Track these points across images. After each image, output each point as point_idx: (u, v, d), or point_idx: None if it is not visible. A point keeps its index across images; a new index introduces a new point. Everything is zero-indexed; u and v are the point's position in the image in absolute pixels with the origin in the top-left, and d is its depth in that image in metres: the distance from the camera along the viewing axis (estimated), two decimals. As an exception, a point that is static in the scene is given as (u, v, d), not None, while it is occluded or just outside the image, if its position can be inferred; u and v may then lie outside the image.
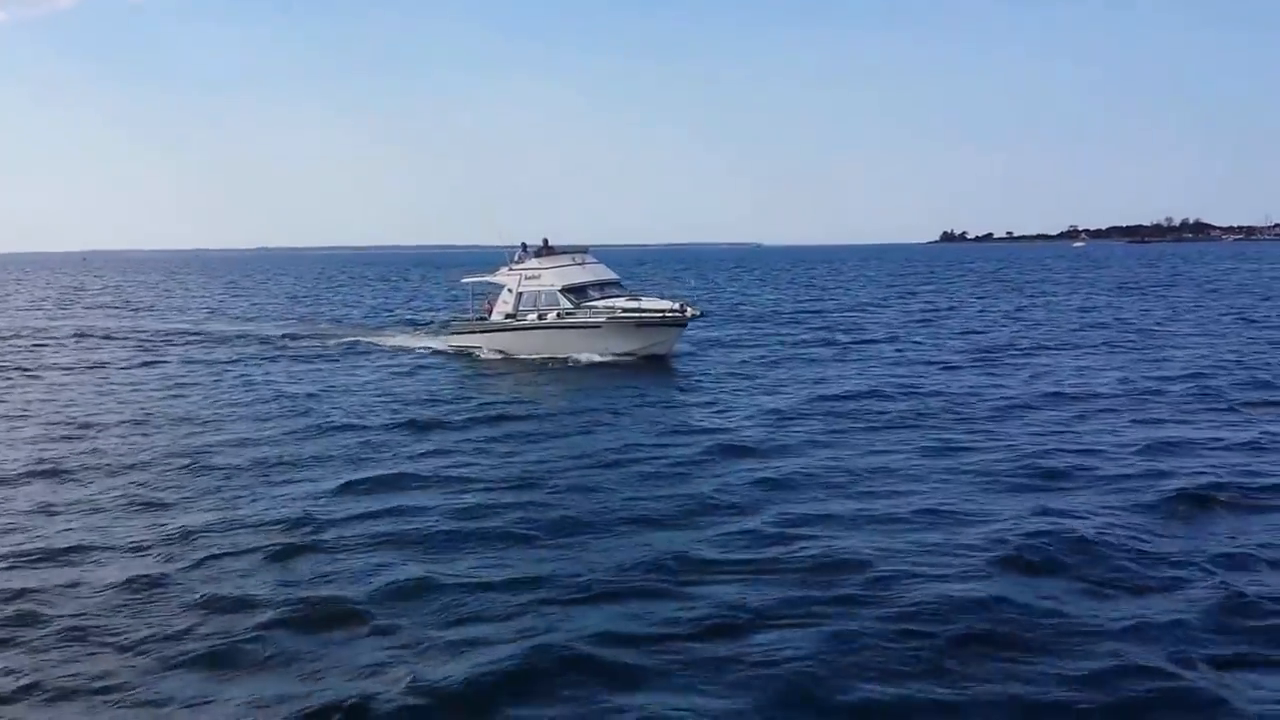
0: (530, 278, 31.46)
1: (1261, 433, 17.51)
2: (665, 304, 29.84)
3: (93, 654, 9.07)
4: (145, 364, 30.81)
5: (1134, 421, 18.86)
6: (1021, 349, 31.32)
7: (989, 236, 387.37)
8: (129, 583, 10.76)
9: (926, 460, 15.93)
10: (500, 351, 31.32)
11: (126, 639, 9.35)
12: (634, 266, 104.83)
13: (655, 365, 28.70)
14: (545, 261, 31.71)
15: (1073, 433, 17.94)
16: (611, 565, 11.09)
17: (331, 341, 36.45)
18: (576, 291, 30.73)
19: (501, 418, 20.61)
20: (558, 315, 30.59)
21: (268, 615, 9.76)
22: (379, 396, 23.50)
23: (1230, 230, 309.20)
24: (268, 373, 28.19)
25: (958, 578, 10.33)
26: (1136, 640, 8.78)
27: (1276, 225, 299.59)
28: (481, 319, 33.19)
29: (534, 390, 25.24)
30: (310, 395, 23.71)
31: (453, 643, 9.14)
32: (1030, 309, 49.77)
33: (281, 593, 10.39)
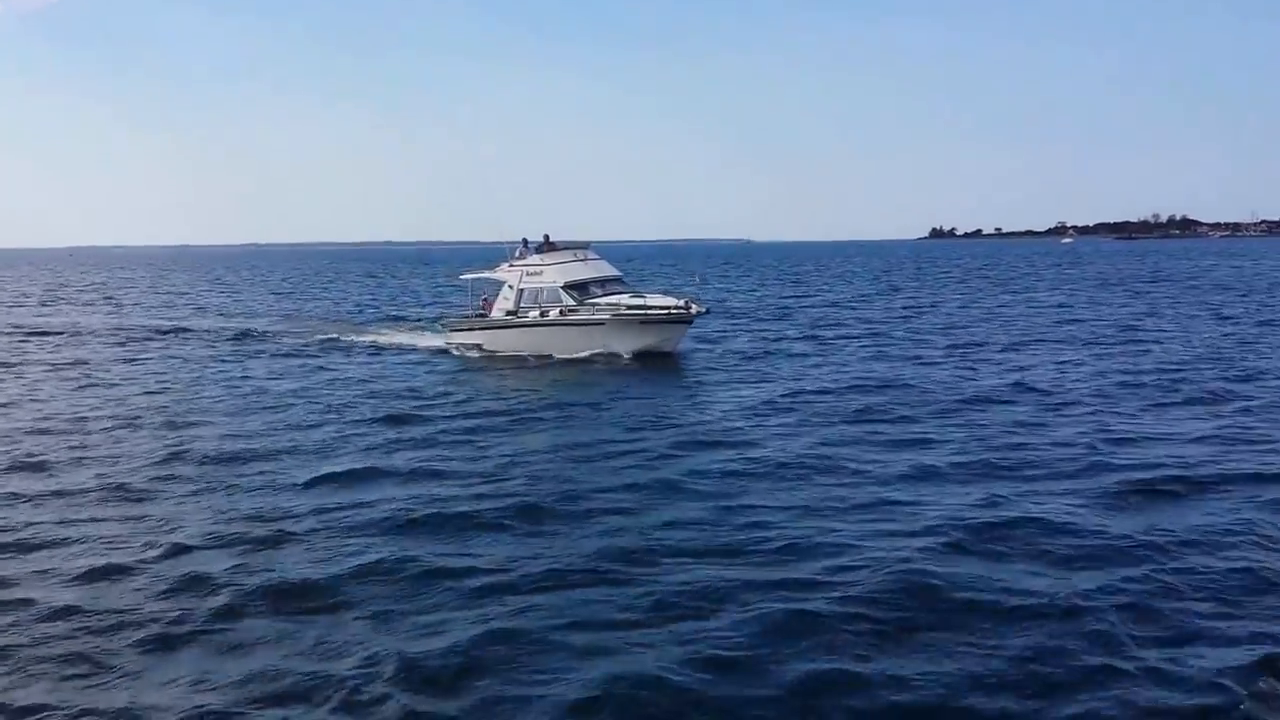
0: (532, 274, 30.91)
1: (1217, 427, 17.90)
2: (670, 300, 29.43)
3: (66, 637, 9.29)
4: (126, 360, 30.92)
5: (1097, 415, 19.22)
6: (997, 345, 31.68)
7: (978, 233, 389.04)
8: (100, 570, 11.00)
9: (891, 453, 16.25)
10: (502, 349, 30.78)
11: (98, 622, 9.58)
12: (622, 262, 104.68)
13: (658, 362, 28.27)
14: (547, 258, 31.14)
15: (1038, 425, 18.30)
16: (577, 552, 11.39)
17: (319, 337, 36.48)
18: (579, 288, 30.18)
19: (483, 412, 20.82)
20: (560, 312, 30.06)
21: (235, 598, 10.06)
22: (360, 393, 23.67)
23: (1217, 227, 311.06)
24: (247, 369, 28.33)
25: (908, 561, 10.69)
26: (1072, 620, 9.17)
27: (1263, 222, 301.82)
28: (481, 315, 32.82)
29: (516, 385, 25.46)
30: (292, 391, 23.88)
31: (418, 625, 9.43)
32: (1012, 305, 50.24)
33: (251, 578, 10.64)
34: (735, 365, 27.92)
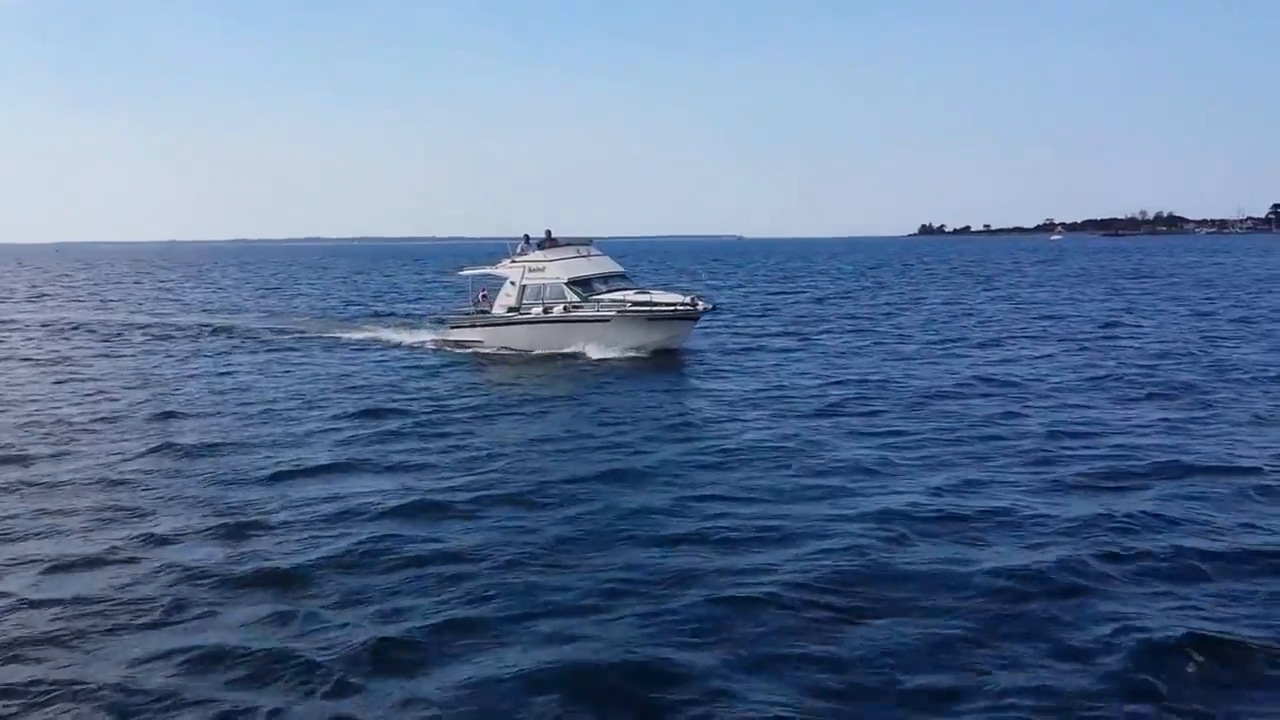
0: (534, 270, 30.58)
1: (1175, 420, 18.25)
2: (675, 297, 29.20)
3: (40, 624, 9.52)
4: (107, 355, 31.05)
5: (1062, 408, 19.60)
6: (976, 341, 32.06)
7: (967, 230, 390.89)
8: (76, 559, 11.23)
9: (858, 444, 16.58)
10: (504, 347, 30.39)
11: (71, 610, 9.80)
12: (614, 258, 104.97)
13: (661, 360, 28.01)
14: (550, 254, 30.86)
15: (1004, 417, 18.65)
16: (544, 539, 11.68)
17: (302, 333, 36.63)
18: (583, 284, 29.85)
19: (462, 407, 21.03)
20: (564, 309, 29.70)
21: (206, 586, 10.34)
22: (340, 387, 23.85)
23: (1203, 223, 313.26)
24: (229, 364, 28.50)
25: (862, 547, 11.10)
26: (1013, 602, 9.63)
27: (1248, 218, 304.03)
28: (482, 312, 32.41)
29: (497, 379, 25.65)
30: (272, 386, 24.06)
31: (383, 610, 9.69)
32: (995, 301, 50.68)
33: (223, 567, 10.89)
34: (717, 360, 28.20)
